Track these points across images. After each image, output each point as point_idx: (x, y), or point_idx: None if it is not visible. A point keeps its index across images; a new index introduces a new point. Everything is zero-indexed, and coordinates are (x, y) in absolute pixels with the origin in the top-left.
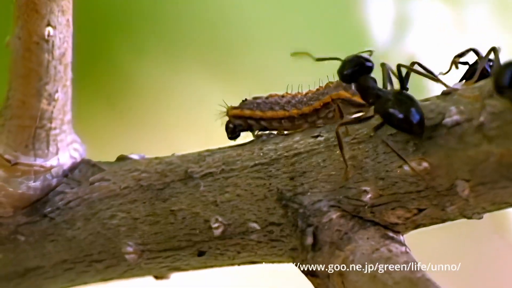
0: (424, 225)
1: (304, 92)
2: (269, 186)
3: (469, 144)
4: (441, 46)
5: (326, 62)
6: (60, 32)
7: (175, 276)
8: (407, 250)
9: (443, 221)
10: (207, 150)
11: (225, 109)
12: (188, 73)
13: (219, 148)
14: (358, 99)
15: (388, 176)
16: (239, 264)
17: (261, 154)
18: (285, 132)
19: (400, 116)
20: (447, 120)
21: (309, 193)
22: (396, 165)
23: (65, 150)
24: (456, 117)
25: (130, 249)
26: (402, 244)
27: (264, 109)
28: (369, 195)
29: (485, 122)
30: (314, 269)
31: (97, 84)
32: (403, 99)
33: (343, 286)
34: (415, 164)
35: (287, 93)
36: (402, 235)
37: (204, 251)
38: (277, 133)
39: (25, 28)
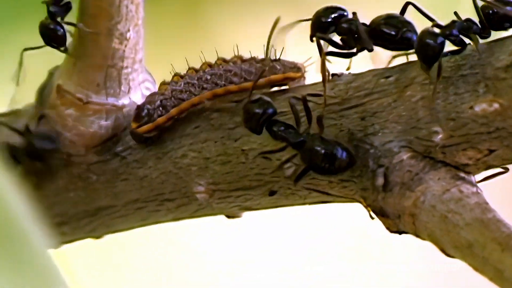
0: (495, 166)
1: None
2: (340, 126)
3: None
4: None
5: None
6: None
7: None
8: (478, 191)
9: None
10: (278, 90)
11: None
12: (264, 14)
13: (290, 88)
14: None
15: (459, 117)
16: (310, 204)
17: (333, 94)
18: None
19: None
20: None
21: (380, 134)
22: (467, 106)
23: (137, 89)
24: None
25: (201, 188)
26: (473, 185)
27: (174, 105)
28: (440, 136)
29: None
30: (385, 210)
31: (169, 23)
32: (395, 20)
33: (414, 227)
34: (486, 105)
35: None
36: (473, 176)
37: (275, 190)
38: (348, 73)
39: None
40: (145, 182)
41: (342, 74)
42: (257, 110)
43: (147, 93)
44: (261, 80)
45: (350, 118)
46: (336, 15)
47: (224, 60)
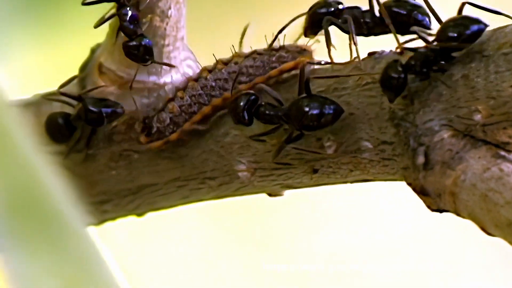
0: None
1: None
2: (381, 104)
3: None
4: None
5: None
6: None
7: None
8: None
9: None
10: (318, 68)
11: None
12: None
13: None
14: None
15: (500, 95)
16: (351, 182)
17: (374, 72)
18: None
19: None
20: None
21: (420, 112)
22: (508, 85)
23: (179, 67)
24: None
25: (243, 166)
26: None
27: (186, 120)
28: (480, 114)
29: None
30: (425, 188)
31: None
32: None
33: (454, 205)
34: None
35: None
36: None
37: (317, 169)
38: (390, 50)
39: None
40: (186, 161)
41: (382, 51)
42: (241, 103)
43: (189, 70)
44: (273, 72)
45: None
46: (337, 6)
47: (224, 63)
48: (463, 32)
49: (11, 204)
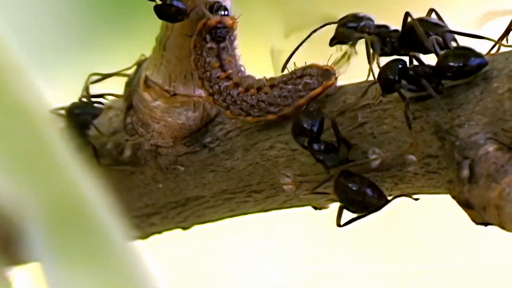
0: None
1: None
2: (426, 118)
3: None
4: None
5: None
6: None
7: None
8: None
9: None
10: (366, 81)
11: None
12: None
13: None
14: None
15: None
16: (395, 196)
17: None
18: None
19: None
20: None
21: (465, 126)
22: None
23: None
24: None
25: (288, 180)
26: None
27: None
28: None
29: None
30: (470, 201)
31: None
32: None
33: (499, 218)
34: None
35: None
36: None
37: None
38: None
39: None
40: (233, 174)
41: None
42: (305, 125)
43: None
44: (302, 100)
45: (437, 110)
46: (368, 22)
47: (258, 88)
48: (464, 63)
49: (51, 214)
